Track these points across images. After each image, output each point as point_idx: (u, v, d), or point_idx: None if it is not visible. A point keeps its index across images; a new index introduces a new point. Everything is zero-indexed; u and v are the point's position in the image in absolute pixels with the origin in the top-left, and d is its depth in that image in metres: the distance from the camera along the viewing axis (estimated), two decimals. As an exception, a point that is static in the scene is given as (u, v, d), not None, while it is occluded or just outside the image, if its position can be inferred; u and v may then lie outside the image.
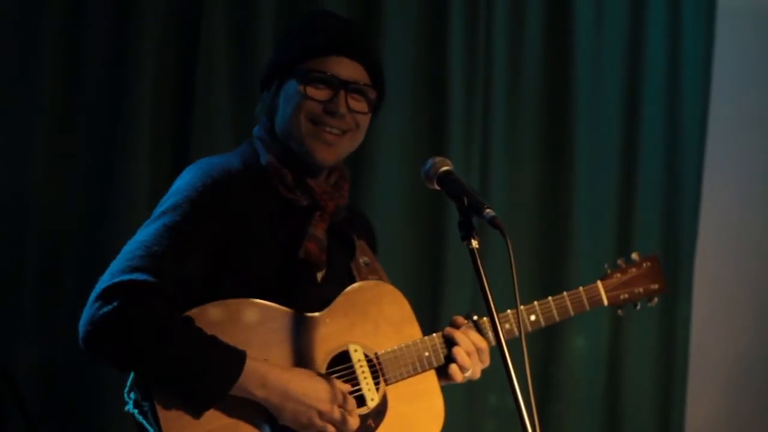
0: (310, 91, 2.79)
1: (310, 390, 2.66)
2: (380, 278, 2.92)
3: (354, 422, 2.71)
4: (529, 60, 4.77)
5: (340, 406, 2.69)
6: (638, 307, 3.25)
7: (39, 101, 3.87)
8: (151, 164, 3.95)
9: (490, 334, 2.94)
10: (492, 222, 2.50)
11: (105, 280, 2.62)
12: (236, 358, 2.61)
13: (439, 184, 2.65)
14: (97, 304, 2.58)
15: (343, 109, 2.79)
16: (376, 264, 2.95)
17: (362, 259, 2.92)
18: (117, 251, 3.79)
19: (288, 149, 2.82)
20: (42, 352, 3.83)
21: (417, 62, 4.50)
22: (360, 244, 2.94)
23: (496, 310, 2.52)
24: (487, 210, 2.52)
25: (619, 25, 4.95)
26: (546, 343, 4.72)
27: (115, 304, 2.56)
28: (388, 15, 4.43)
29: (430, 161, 2.67)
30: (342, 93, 2.79)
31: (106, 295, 2.58)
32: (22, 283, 3.83)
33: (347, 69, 2.81)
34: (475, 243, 2.52)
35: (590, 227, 4.83)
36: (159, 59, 4.01)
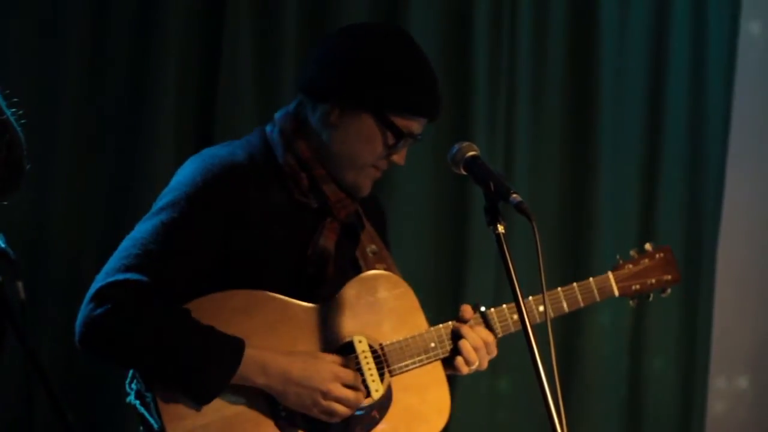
0: (391, 144, 2.74)
1: (311, 371, 2.65)
2: (387, 267, 2.87)
3: (359, 396, 2.70)
4: (553, 48, 4.77)
5: (343, 384, 2.67)
6: (651, 298, 3.21)
7: (62, 97, 3.89)
8: (176, 159, 3.96)
9: (497, 326, 2.91)
10: (519, 207, 2.50)
11: (99, 279, 2.61)
12: (235, 348, 2.60)
13: (465, 169, 2.64)
14: (91, 305, 2.58)
15: (404, 161, 2.81)
16: (384, 252, 2.90)
17: (369, 248, 2.87)
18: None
19: (315, 154, 2.75)
20: (66, 347, 3.85)
21: (442, 50, 4.50)
22: (367, 232, 2.89)
23: (522, 296, 2.51)
24: (514, 195, 2.51)
25: (644, 10, 4.93)
26: (567, 328, 4.72)
27: (108, 304, 2.56)
28: (412, 6, 4.42)
29: (456, 146, 2.66)
30: (408, 145, 2.79)
31: (100, 295, 2.57)
32: (45, 274, 3.86)
33: (422, 127, 2.80)
34: (501, 228, 2.51)
35: (613, 214, 4.83)
36: (182, 54, 4.03)
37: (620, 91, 4.88)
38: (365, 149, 2.74)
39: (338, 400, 2.67)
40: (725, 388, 5.20)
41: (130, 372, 2.67)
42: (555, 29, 4.76)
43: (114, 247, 3.86)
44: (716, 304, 5.07)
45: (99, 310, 2.56)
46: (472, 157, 2.64)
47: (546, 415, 2.38)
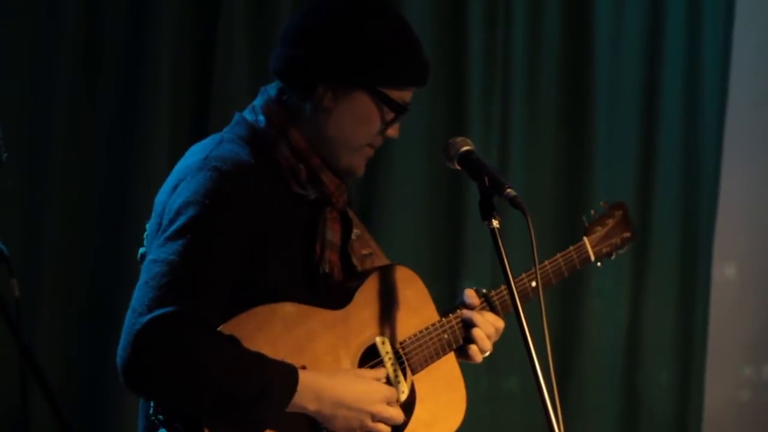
0: (388, 119, 2.64)
1: (361, 394, 2.58)
2: (372, 251, 2.80)
3: (400, 415, 2.64)
4: (548, 43, 4.77)
5: (388, 403, 2.62)
6: (613, 257, 3.17)
7: (56, 95, 3.90)
8: (169, 159, 3.96)
9: (500, 308, 2.85)
10: (513, 201, 2.49)
11: (140, 313, 2.44)
12: (290, 376, 2.50)
13: (459, 164, 2.62)
14: (137, 346, 2.41)
15: (398, 134, 2.70)
16: (366, 235, 2.81)
17: (354, 233, 2.77)
18: (134, 239, 3.80)
19: (308, 143, 2.63)
20: (61, 345, 3.86)
21: (436, 44, 4.50)
22: (351, 215, 2.79)
23: (517, 291, 2.50)
24: (508, 189, 2.51)
25: (639, 4, 4.93)
26: (563, 321, 4.73)
27: (159, 345, 2.41)
28: (406, 2, 4.42)
29: (450, 141, 2.65)
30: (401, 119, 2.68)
31: (146, 335, 2.41)
32: (41, 272, 3.86)
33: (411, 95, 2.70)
34: (495, 222, 2.51)
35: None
36: (176, 51, 4.03)
37: (615, 86, 4.88)
38: (362, 129, 2.63)
39: (384, 421, 2.61)
40: (722, 384, 5.20)
41: (151, 403, 2.56)
42: (550, 23, 4.77)
43: (108, 244, 3.91)
44: (712, 301, 5.07)
45: (147, 353, 2.41)
46: (467, 152, 2.62)
47: (543, 414, 2.39)
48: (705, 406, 5.04)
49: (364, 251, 2.79)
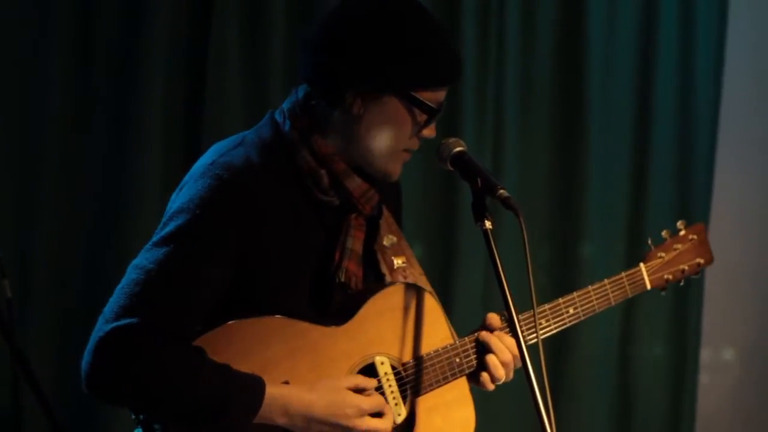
0: (421, 121, 2.57)
1: (335, 408, 2.51)
2: (407, 258, 2.72)
3: (387, 423, 2.57)
4: (542, 40, 4.77)
5: (370, 414, 2.55)
6: (682, 283, 3.04)
7: (49, 99, 3.89)
8: (163, 158, 3.95)
9: (524, 334, 2.67)
10: (506, 202, 2.47)
11: (106, 319, 2.43)
12: (255, 389, 2.46)
13: (452, 164, 2.60)
14: (99, 353, 2.40)
15: (434, 132, 2.62)
16: (402, 242, 2.74)
17: (387, 238, 2.70)
18: (127, 240, 3.78)
19: (334, 149, 2.55)
20: (53, 346, 3.86)
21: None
22: (385, 220, 2.72)
23: (510, 292, 2.48)
24: (501, 190, 2.48)
25: (632, 6, 4.94)
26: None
27: (115, 355, 2.40)
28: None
29: (443, 142, 2.62)
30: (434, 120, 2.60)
31: (105, 344, 2.40)
32: (32, 274, 3.86)
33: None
34: (488, 224, 2.48)
35: (602, 208, 4.84)
36: (170, 53, 4.02)
37: (609, 84, 4.88)
38: (395, 134, 2.55)
39: None
40: (716, 384, 5.21)
41: None
42: (543, 20, 4.76)
43: (101, 249, 3.90)
44: (705, 302, 5.08)
45: (107, 361, 2.40)
46: (459, 152, 2.59)
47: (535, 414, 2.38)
48: (698, 405, 5.04)
49: (399, 260, 2.72)
